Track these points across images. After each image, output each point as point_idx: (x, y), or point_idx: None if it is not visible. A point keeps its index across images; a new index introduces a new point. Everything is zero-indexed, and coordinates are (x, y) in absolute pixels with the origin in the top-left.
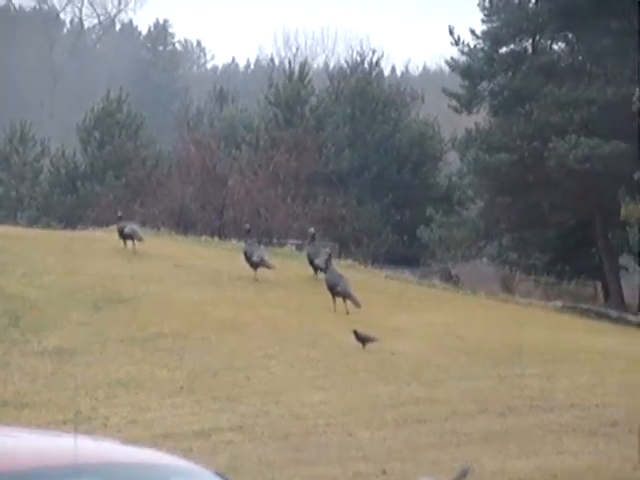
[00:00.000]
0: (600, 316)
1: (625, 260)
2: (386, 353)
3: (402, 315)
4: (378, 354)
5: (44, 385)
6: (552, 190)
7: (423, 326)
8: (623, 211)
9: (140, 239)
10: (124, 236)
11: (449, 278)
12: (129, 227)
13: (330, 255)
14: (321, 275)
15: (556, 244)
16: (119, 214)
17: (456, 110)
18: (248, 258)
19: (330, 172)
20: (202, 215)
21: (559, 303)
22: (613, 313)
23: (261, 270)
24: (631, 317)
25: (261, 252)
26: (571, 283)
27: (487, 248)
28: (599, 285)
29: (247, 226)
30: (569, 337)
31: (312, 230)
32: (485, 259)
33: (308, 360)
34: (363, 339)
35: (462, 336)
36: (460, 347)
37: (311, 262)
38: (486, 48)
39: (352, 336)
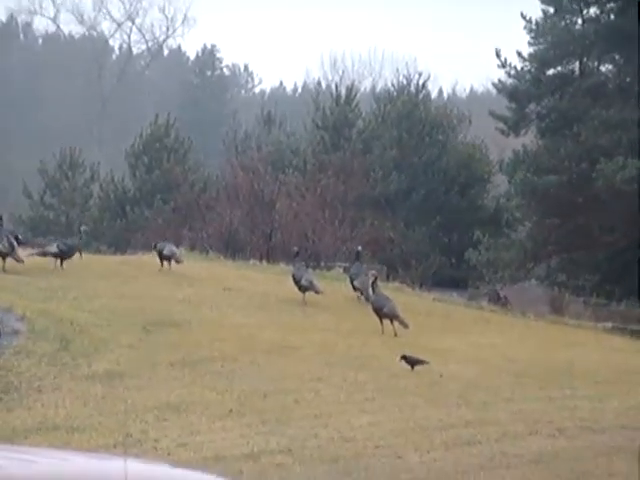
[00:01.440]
0: None
1: None
2: (435, 375)
3: (450, 337)
4: (427, 376)
5: (94, 408)
6: (600, 211)
7: (472, 348)
8: None
9: (179, 261)
10: (162, 257)
11: (497, 300)
12: (168, 248)
13: (376, 278)
14: (362, 296)
15: (605, 265)
16: (153, 244)
17: (503, 133)
18: (297, 282)
19: (378, 195)
20: (250, 239)
21: (609, 324)
22: None
23: (309, 293)
24: None
25: (309, 276)
26: (621, 304)
27: (535, 270)
28: None
29: (295, 249)
30: (619, 358)
31: (358, 248)
32: (534, 281)
33: (357, 383)
34: (412, 362)
35: (511, 358)
36: (509, 369)
37: (351, 282)
38: (533, 70)
39: (401, 360)
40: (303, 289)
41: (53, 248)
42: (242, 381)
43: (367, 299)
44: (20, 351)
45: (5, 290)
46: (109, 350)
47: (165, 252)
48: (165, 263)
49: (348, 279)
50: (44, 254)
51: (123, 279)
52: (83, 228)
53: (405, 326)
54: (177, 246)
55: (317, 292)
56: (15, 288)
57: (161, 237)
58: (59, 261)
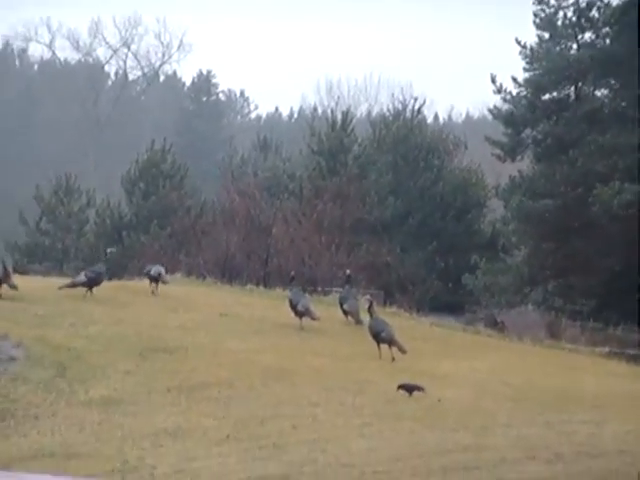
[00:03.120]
0: None
1: None
2: (432, 400)
3: (448, 362)
4: (424, 401)
5: (91, 435)
6: (597, 236)
7: (469, 373)
8: None
9: (164, 281)
10: (150, 278)
11: (494, 325)
12: (154, 269)
13: (372, 302)
14: (352, 320)
15: (602, 290)
16: (146, 268)
17: (499, 158)
18: (293, 307)
19: (374, 220)
20: (247, 264)
21: (606, 349)
22: None
23: (306, 319)
24: None
25: (306, 301)
26: (618, 329)
27: (532, 294)
28: None
29: (292, 273)
30: (616, 383)
31: (348, 272)
32: (530, 305)
33: (354, 408)
34: (409, 389)
35: (509, 382)
36: (507, 393)
37: (341, 306)
38: (529, 96)
39: (398, 390)
40: (300, 314)
41: (81, 277)
42: (239, 406)
43: (357, 322)
44: (16, 378)
45: (0, 317)
46: (106, 376)
47: (152, 273)
48: (153, 285)
49: (338, 303)
50: (74, 285)
51: (120, 305)
52: (109, 250)
53: (403, 351)
54: (167, 269)
55: (313, 318)
56: (11, 315)
57: (157, 263)
58: (89, 290)
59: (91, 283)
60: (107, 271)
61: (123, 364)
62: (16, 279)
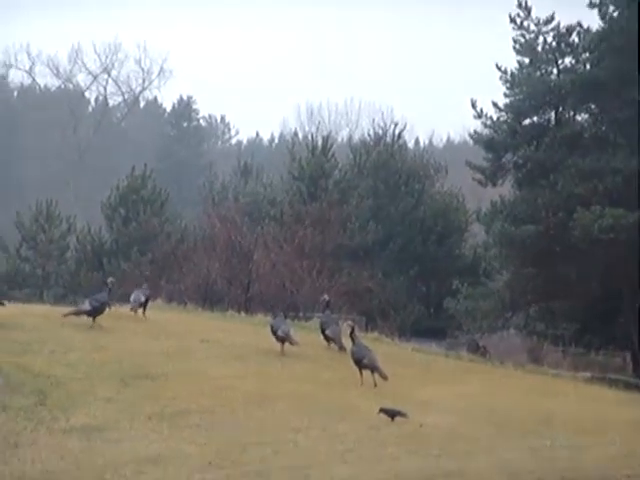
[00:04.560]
0: (629, 387)
1: None
2: (415, 425)
3: (430, 387)
4: (407, 427)
5: (72, 463)
6: (578, 260)
7: (451, 398)
8: None
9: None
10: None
11: (476, 349)
12: (135, 295)
13: (353, 328)
14: (334, 346)
15: (583, 314)
16: (147, 273)
17: (481, 183)
18: (274, 332)
19: (355, 245)
20: (228, 290)
21: (588, 374)
22: None
23: (285, 345)
24: None
25: (286, 327)
26: (599, 353)
27: (514, 319)
28: (628, 355)
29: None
30: (598, 408)
31: (325, 297)
32: (512, 330)
33: (336, 434)
34: (391, 414)
35: (491, 407)
36: (489, 418)
37: (323, 332)
38: (509, 120)
39: (379, 413)
40: (280, 339)
41: (86, 306)
42: (221, 433)
43: (340, 348)
44: None
45: None
46: (87, 403)
47: (135, 299)
48: (138, 309)
49: (319, 328)
50: (78, 313)
51: (100, 331)
52: (110, 280)
53: (384, 378)
54: (146, 294)
55: (292, 343)
56: None
57: (141, 286)
58: (92, 318)
59: (95, 312)
60: (108, 300)
61: (104, 391)
62: None
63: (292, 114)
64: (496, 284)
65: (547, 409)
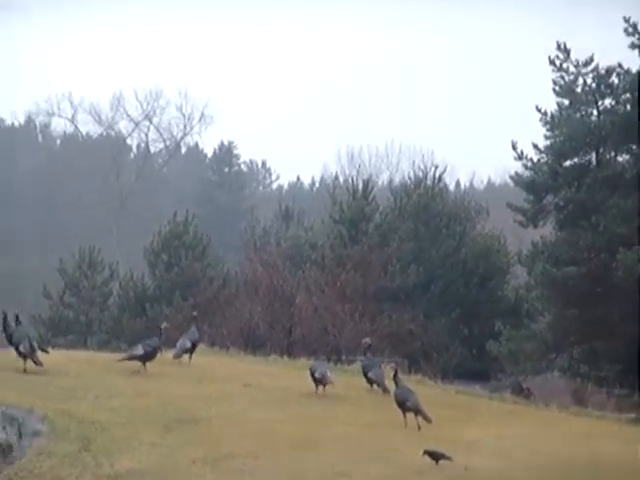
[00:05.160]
0: None
1: None
2: (459, 469)
3: (474, 430)
4: (451, 470)
5: None
6: (621, 301)
7: (496, 440)
8: None
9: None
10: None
11: (520, 391)
12: (182, 342)
13: (397, 370)
14: (377, 388)
15: (627, 355)
16: (194, 313)
17: (522, 224)
18: (312, 374)
19: (396, 287)
20: (270, 334)
21: (633, 415)
22: None
23: (328, 388)
24: None
25: (324, 369)
26: None
27: (557, 361)
28: None
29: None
30: None
31: (367, 340)
32: (556, 372)
33: (381, 477)
34: (435, 456)
35: (535, 449)
36: (534, 461)
37: (365, 375)
38: (550, 162)
39: (424, 455)
40: (317, 381)
41: (139, 350)
42: (264, 477)
43: (384, 391)
44: (42, 452)
45: (25, 391)
46: (131, 449)
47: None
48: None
49: (361, 371)
50: (131, 358)
51: (143, 377)
52: (164, 326)
53: (428, 420)
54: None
55: (327, 383)
56: (35, 389)
57: (181, 334)
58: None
59: (147, 357)
60: (161, 345)
61: (148, 436)
62: (41, 355)
63: (333, 158)
64: (538, 326)
65: (592, 452)
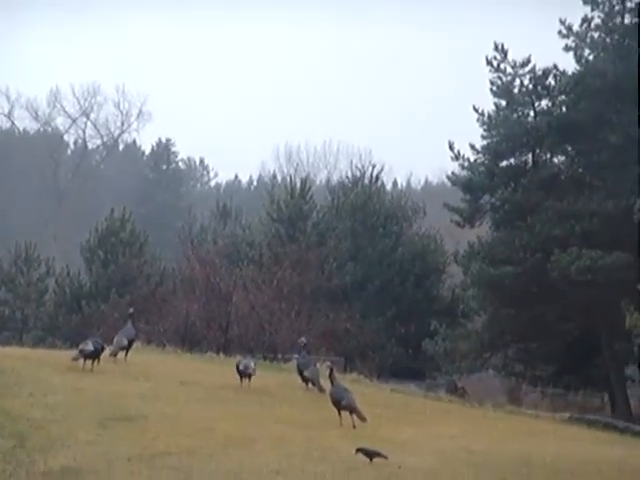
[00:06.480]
0: (607, 427)
1: (632, 371)
2: (393, 467)
3: (409, 428)
4: (385, 468)
5: None
6: (556, 301)
7: (430, 439)
8: (628, 321)
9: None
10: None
11: (455, 390)
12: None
13: (332, 369)
14: (313, 387)
15: (561, 355)
16: (130, 310)
17: (458, 224)
18: (236, 367)
19: (333, 286)
20: (207, 331)
21: (566, 414)
22: (620, 424)
23: (264, 386)
24: (638, 428)
25: (247, 361)
26: (578, 394)
27: (493, 360)
28: (606, 396)
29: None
30: (577, 448)
31: (303, 340)
32: (491, 371)
33: (315, 475)
34: (369, 454)
35: (470, 448)
36: (468, 459)
37: (300, 373)
38: (486, 162)
39: (357, 453)
40: (240, 373)
41: (89, 347)
42: (200, 475)
43: (319, 390)
44: None
45: None
46: (66, 446)
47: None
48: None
49: (297, 370)
50: (82, 355)
51: (79, 374)
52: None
53: (363, 419)
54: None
55: (250, 375)
56: None
57: (117, 331)
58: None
59: (97, 353)
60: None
61: (83, 433)
62: None
63: (271, 156)
64: (474, 325)
65: (526, 450)
